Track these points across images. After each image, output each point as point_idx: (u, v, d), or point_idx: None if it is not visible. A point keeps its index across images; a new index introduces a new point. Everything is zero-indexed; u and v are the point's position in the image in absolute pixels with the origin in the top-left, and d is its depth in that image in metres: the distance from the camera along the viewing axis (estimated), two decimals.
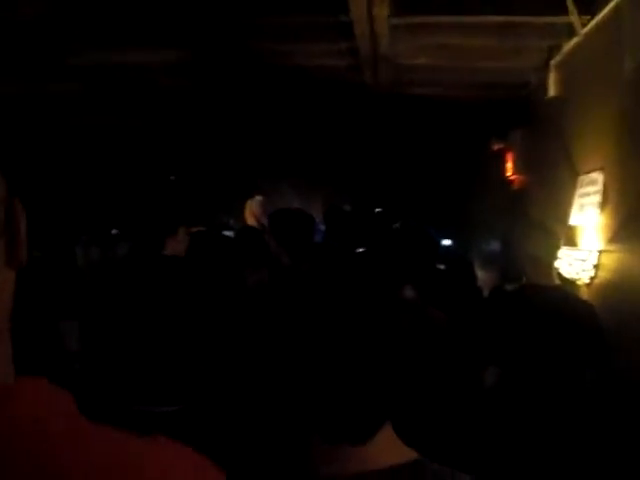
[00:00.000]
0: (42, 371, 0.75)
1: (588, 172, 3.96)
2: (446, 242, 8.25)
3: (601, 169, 3.77)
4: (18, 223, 0.76)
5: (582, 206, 3.97)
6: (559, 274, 3.70)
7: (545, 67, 4.88)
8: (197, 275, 3.76)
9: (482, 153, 7.08)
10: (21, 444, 0.66)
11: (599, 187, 3.75)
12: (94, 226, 4.65)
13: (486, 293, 4.34)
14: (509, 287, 3.32)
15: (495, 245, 6.64)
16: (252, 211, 9.46)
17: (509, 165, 6.03)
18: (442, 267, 5.88)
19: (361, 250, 4.96)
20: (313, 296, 1.31)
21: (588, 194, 3.90)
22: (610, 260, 3.67)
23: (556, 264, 3.56)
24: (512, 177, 6.02)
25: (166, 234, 3.54)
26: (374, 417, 1.22)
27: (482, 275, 7.50)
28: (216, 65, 5.79)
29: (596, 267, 3.79)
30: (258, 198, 9.62)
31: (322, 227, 7.48)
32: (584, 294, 3.87)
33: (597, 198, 3.75)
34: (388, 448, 1.24)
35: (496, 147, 6.39)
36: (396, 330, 1.28)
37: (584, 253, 3.83)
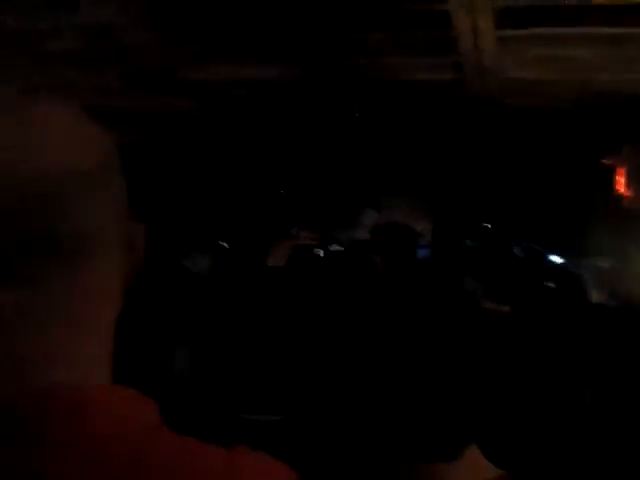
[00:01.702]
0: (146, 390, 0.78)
1: None
2: (556, 259, 8.04)
3: None
4: (139, 241, 0.80)
5: None
6: None
7: None
8: (299, 287, 3.81)
9: (595, 168, 6.87)
10: (99, 452, 0.68)
11: None
12: (203, 238, 4.77)
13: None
14: (611, 304, 3.21)
15: (605, 262, 6.44)
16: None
17: (621, 181, 5.83)
18: (552, 285, 5.75)
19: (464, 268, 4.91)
20: (402, 312, 1.31)
21: None
22: None
23: None
24: (624, 194, 5.82)
25: (269, 245, 3.63)
26: (458, 435, 1.21)
27: (594, 294, 7.27)
28: (325, 81, 5.85)
29: None
30: (374, 214, 9.63)
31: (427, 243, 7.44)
32: None
33: None
34: (472, 467, 1.23)
35: (609, 162, 6.20)
36: (484, 347, 1.26)
37: None
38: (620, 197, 5.93)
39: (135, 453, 0.69)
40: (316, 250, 6.48)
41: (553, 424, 2.58)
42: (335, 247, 7.11)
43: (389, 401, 1.23)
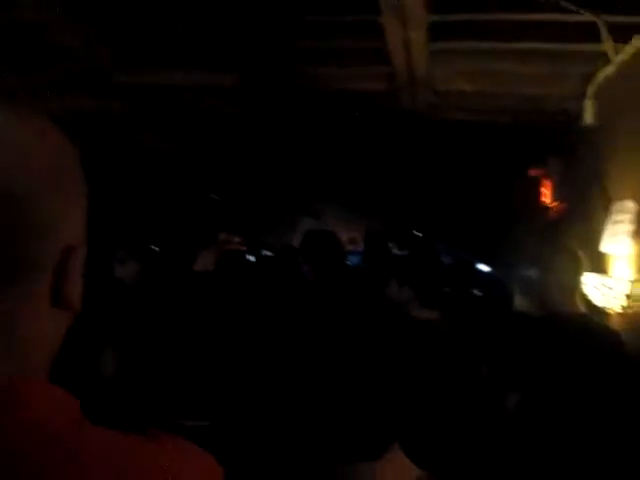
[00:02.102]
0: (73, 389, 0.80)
1: (622, 200, 3.94)
2: (484, 268, 8.22)
3: (635, 197, 3.75)
4: (71, 263, 0.79)
5: (614, 234, 3.94)
6: (589, 302, 3.68)
7: (583, 95, 4.87)
8: (227, 293, 3.84)
9: (521, 180, 7.05)
10: (20, 443, 0.70)
11: (632, 215, 3.72)
12: (131, 241, 4.73)
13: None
14: (536, 313, 3.30)
15: (530, 271, 6.60)
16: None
17: (546, 192, 6.01)
18: (478, 292, 5.88)
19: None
20: (328, 314, 1.35)
21: (621, 222, 3.88)
22: None
23: (587, 292, 3.55)
24: (548, 204, 6.00)
25: (199, 249, 3.65)
26: (381, 435, 1.24)
27: (519, 301, 7.44)
28: (260, 89, 5.87)
29: (628, 296, 3.75)
30: (311, 221, 9.70)
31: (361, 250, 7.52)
32: (615, 323, 3.84)
33: (630, 226, 3.72)
34: (394, 467, 1.26)
35: (534, 174, 6.37)
36: (406, 347, 1.30)
37: (616, 281, 3.80)
38: (546, 207, 6.11)
39: (56, 446, 0.72)
40: (248, 256, 6.50)
41: (475, 427, 2.64)
42: (266, 253, 7.15)
43: (313, 403, 1.25)
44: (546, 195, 6.01)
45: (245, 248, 8.18)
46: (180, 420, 2.90)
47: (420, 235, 9.76)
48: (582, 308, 3.30)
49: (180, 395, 3.08)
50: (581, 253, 3.35)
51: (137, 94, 6.02)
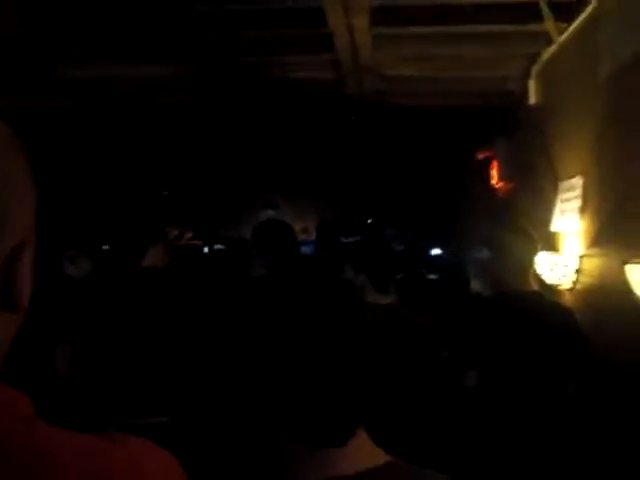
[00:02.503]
0: (27, 388, 0.76)
1: (568, 178, 3.99)
2: (436, 251, 8.28)
3: (581, 174, 3.80)
4: (20, 262, 0.76)
5: (563, 211, 3.99)
6: (540, 280, 3.72)
7: (527, 75, 4.92)
8: (178, 287, 3.79)
9: (470, 162, 7.11)
10: None
11: (579, 192, 3.77)
12: (81, 240, 4.65)
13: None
14: (487, 293, 3.33)
15: (482, 253, 6.67)
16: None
17: (494, 173, 6.06)
18: (433, 276, 5.92)
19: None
20: (286, 299, 1.33)
21: (569, 199, 3.93)
22: (591, 265, 3.69)
23: (538, 270, 3.59)
24: (497, 185, 6.05)
25: (146, 245, 3.59)
26: (346, 421, 1.23)
27: (473, 283, 7.52)
28: (207, 79, 5.82)
29: (577, 272, 3.81)
30: (270, 212, 9.68)
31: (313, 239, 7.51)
32: (566, 300, 3.89)
33: (577, 203, 3.77)
34: (360, 453, 1.25)
35: (482, 156, 6.42)
36: (367, 332, 1.29)
37: (565, 258, 3.85)
38: (494, 189, 6.16)
39: (8, 450, 0.69)
40: (204, 248, 6.44)
41: (439, 408, 2.66)
42: (218, 247, 7.09)
43: (276, 389, 1.24)
44: (494, 176, 6.06)
45: (200, 242, 8.12)
46: (138, 418, 2.86)
47: (370, 221, 9.79)
48: (535, 286, 3.34)
49: (136, 392, 3.03)
50: (534, 232, 3.38)
51: (80, 89, 5.92)
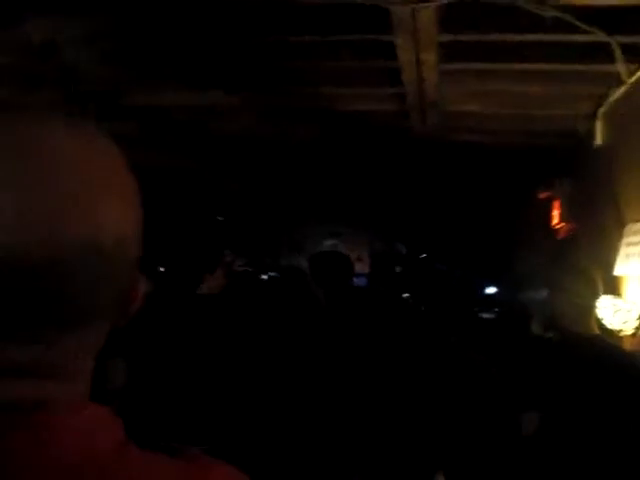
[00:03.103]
0: None
1: (635, 221, 3.92)
2: (491, 290, 8.19)
3: None
4: (132, 307, 0.77)
5: (628, 255, 3.91)
6: (602, 325, 3.64)
7: (593, 115, 4.86)
8: (233, 315, 3.81)
9: (529, 201, 7.04)
10: (67, 474, 0.67)
11: None
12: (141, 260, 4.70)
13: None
14: (550, 335, 3.27)
15: (541, 294, 6.57)
16: None
17: (555, 213, 5.99)
18: (489, 315, 5.86)
19: (405, 295, 4.95)
20: (354, 339, 1.32)
21: (634, 243, 3.85)
22: None
23: (599, 314, 3.51)
24: (558, 226, 5.97)
25: (204, 272, 3.62)
26: (425, 467, 1.22)
27: (533, 324, 7.42)
28: (265, 109, 5.88)
29: None
30: (331, 242, 9.70)
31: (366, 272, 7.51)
32: (627, 346, 3.80)
33: None
34: None
35: (543, 195, 6.35)
36: (447, 376, 1.28)
37: (629, 304, 3.77)
38: (555, 229, 6.09)
39: (104, 472, 0.68)
40: (261, 275, 6.47)
41: (505, 452, 2.61)
42: (271, 274, 7.14)
43: (344, 430, 1.23)
44: (555, 216, 5.99)
45: (251, 269, 8.16)
46: (182, 443, 2.86)
47: (424, 256, 9.74)
48: (596, 330, 3.27)
49: (182, 418, 3.04)
50: (595, 275, 3.32)
51: (143, 115, 6.03)
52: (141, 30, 4.24)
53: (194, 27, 4.22)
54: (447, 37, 4.04)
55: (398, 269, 6.50)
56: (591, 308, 3.24)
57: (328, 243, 9.56)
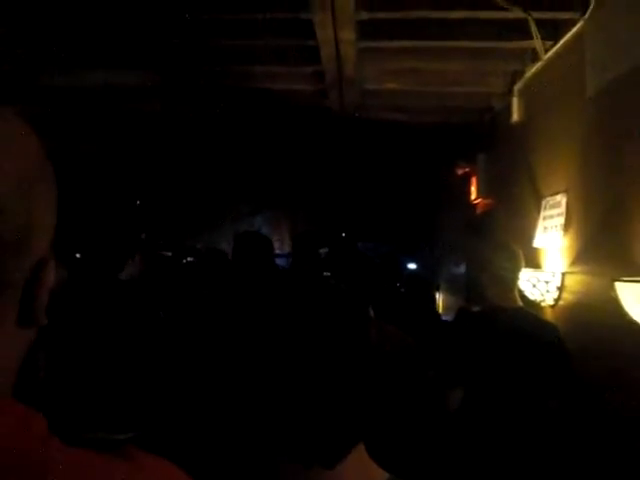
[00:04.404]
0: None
1: (552, 194, 4.00)
2: (412, 265, 8.30)
3: (564, 191, 3.81)
4: (42, 283, 0.72)
5: (546, 228, 4.00)
6: (523, 296, 3.72)
7: (510, 92, 4.94)
8: (154, 299, 3.76)
9: (449, 178, 7.14)
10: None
11: (562, 209, 3.78)
12: (56, 249, 4.58)
13: (452, 315, 4.35)
14: (474, 309, 3.32)
15: (461, 267, 6.70)
16: None
17: (473, 189, 6.08)
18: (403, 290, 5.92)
19: (326, 274, 4.95)
20: (279, 314, 1.30)
21: (552, 216, 3.94)
22: (574, 282, 3.69)
23: (520, 286, 3.58)
24: (476, 200, 6.07)
25: (126, 257, 3.55)
26: (344, 439, 1.20)
27: (449, 298, 7.56)
28: (182, 87, 5.78)
29: (560, 289, 3.81)
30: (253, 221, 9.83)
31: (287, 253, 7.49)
32: (549, 316, 3.90)
33: (560, 220, 3.78)
34: (358, 470, 1.23)
35: (461, 171, 6.44)
36: (368, 348, 1.27)
37: (548, 275, 3.86)
38: (474, 205, 6.18)
39: (25, 468, 0.65)
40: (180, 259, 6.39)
41: (428, 425, 2.64)
42: (189, 259, 7.08)
43: (270, 403, 1.21)
44: (473, 192, 6.08)
45: (170, 254, 8.06)
46: (108, 433, 2.81)
47: (344, 235, 9.81)
48: (519, 302, 3.34)
49: (106, 405, 2.97)
50: (518, 248, 3.38)
51: (56, 96, 5.85)
52: (59, 7, 4.11)
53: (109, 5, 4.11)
54: (365, 15, 4.03)
55: (323, 252, 6.52)
56: (514, 281, 3.31)
57: (247, 222, 9.54)
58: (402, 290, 5.54)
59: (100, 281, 3.48)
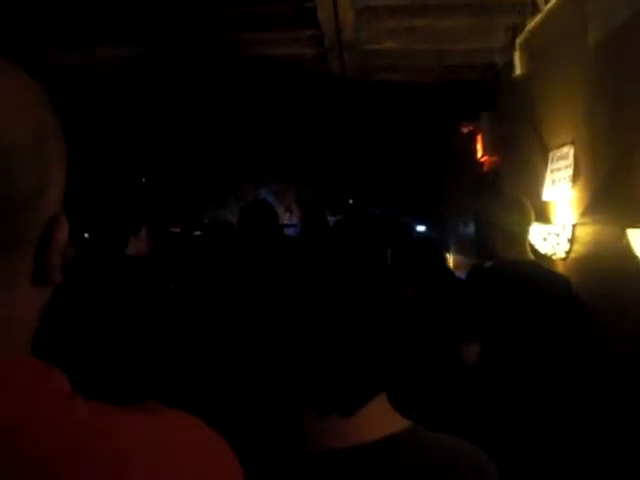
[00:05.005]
0: None
1: (558, 147, 3.97)
2: (420, 228, 8.29)
3: (571, 143, 3.77)
4: (55, 240, 0.72)
5: (554, 181, 3.97)
6: (534, 250, 3.71)
7: (511, 46, 4.88)
8: (162, 274, 3.77)
9: (454, 137, 7.09)
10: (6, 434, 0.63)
11: (570, 161, 3.75)
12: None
13: (464, 273, 4.34)
14: (486, 265, 3.31)
15: (470, 227, 6.68)
16: None
17: (479, 147, 6.04)
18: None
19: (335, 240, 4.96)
20: (300, 276, 1.31)
21: (559, 169, 3.90)
22: (585, 233, 3.67)
23: (531, 240, 3.57)
24: (483, 158, 6.03)
25: (129, 233, 3.55)
26: (363, 388, 1.22)
27: (459, 257, 7.54)
28: (179, 58, 5.73)
29: (571, 241, 3.79)
30: (261, 191, 9.85)
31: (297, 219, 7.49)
32: (560, 268, 3.88)
33: (569, 172, 3.75)
34: (380, 419, 1.25)
35: (466, 130, 6.40)
36: (387, 302, 1.28)
37: (558, 228, 3.84)
38: (480, 163, 6.15)
39: (44, 430, 0.64)
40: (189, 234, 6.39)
41: (445, 383, 2.65)
42: (197, 233, 7.10)
43: (292, 352, 1.23)
44: (479, 150, 6.04)
45: (178, 229, 8.07)
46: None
47: (351, 202, 9.81)
48: (530, 256, 3.33)
49: (112, 379, 2.98)
50: (527, 202, 3.36)
51: (53, 74, 5.81)
52: None
53: None
54: None
55: (332, 219, 6.52)
56: (525, 235, 3.30)
57: (257, 193, 9.56)
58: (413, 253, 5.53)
59: (104, 257, 3.49)
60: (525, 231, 3.28)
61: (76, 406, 0.68)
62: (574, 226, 3.77)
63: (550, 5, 4.06)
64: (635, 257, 2.61)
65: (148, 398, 0.78)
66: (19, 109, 0.67)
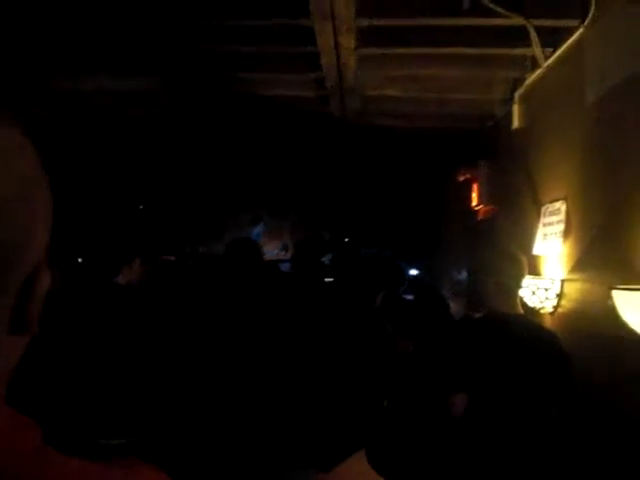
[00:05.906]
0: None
1: (551, 202, 4.00)
2: (414, 272, 8.29)
3: (564, 199, 3.81)
4: (36, 291, 0.71)
5: (545, 235, 4.00)
6: (523, 303, 3.71)
7: (510, 99, 4.94)
8: (150, 305, 3.76)
9: (451, 184, 7.13)
10: None
11: (562, 216, 3.78)
12: (56, 252, 4.58)
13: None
14: (476, 315, 3.31)
15: (463, 274, 6.69)
16: None
17: (475, 195, 6.07)
18: (410, 297, 5.91)
19: (329, 280, 4.95)
20: (280, 317, 1.31)
21: (551, 223, 3.93)
22: (573, 289, 3.69)
23: (520, 293, 3.58)
24: (478, 207, 6.06)
25: (122, 262, 3.56)
26: (342, 443, 1.21)
27: (450, 303, 7.54)
28: (185, 94, 5.79)
29: (559, 296, 3.81)
30: (258, 228, 9.86)
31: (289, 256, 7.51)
32: (548, 323, 3.89)
33: (560, 227, 3.78)
34: (355, 476, 1.23)
35: (462, 178, 6.44)
36: (374, 356, 1.27)
37: (547, 282, 3.85)
38: (475, 211, 6.18)
39: (20, 478, 0.64)
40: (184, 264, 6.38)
41: (429, 432, 2.64)
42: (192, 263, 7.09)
43: (266, 406, 1.22)
44: (474, 198, 6.08)
45: (173, 258, 8.05)
46: (103, 438, 2.80)
47: (347, 240, 9.80)
48: (520, 309, 3.34)
49: (98, 411, 2.97)
50: (523, 258, 3.38)
51: (58, 100, 5.86)
52: (62, 13, 4.13)
53: (110, 10, 4.13)
54: (365, 22, 4.04)
55: (326, 259, 6.52)
56: (517, 288, 3.30)
57: (259, 228, 9.57)
58: (406, 296, 5.55)
59: (93, 285, 3.49)
60: (517, 285, 3.28)
61: (44, 461, 0.68)
62: (563, 281, 3.79)
63: (550, 61, 4.12)
64: (619, 318, 2.62)
65: (130, 429, 0.78)
66: (8, 158, 0.67)
